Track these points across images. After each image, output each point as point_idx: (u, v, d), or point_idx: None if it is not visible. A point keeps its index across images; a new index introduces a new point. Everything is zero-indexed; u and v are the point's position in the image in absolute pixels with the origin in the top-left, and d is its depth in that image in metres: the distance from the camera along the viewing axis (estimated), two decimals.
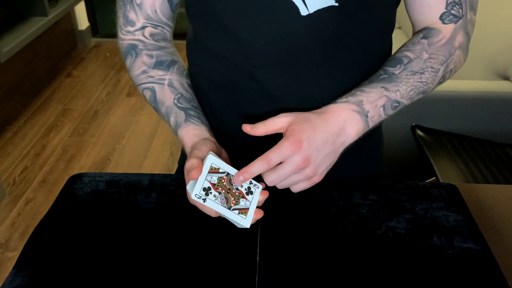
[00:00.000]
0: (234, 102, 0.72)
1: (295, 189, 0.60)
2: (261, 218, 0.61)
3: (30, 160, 2.13)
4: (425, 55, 0.64)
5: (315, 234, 0.63)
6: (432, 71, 0.65)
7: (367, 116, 0.61)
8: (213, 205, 0.56)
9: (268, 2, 0.61)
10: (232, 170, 0.59)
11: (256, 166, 0.56)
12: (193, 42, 0.74)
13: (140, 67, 0.71)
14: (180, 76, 0.71)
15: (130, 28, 0.72)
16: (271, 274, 0.58)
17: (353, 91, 0.63)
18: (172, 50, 0.74)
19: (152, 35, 0.72)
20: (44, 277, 0.57)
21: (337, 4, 0.60)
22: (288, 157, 0.56)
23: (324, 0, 0.60)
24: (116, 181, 0.73)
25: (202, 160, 0.58)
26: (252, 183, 0.60)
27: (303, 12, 0.61)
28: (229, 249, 0.61)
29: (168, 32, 0.75)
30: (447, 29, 0.66)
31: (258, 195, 0.60)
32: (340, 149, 0.60)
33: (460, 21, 0.65)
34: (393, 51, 0.76)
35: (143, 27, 0.72)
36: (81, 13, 3.24)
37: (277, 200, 0.67)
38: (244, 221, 0.57)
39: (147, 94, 0.71)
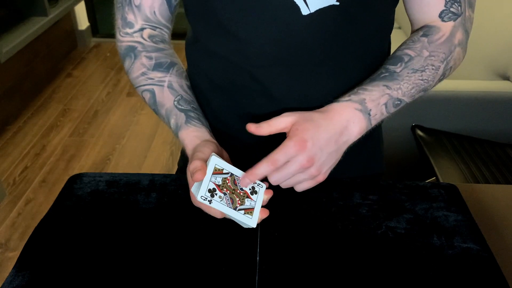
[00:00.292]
0: (235, 102, 0.72)
1: (299, 188, 0.60)
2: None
3: (30, 160, 2.13)
4: (426, 53, 0.65)
5: (315, 234, 0.63)
6: (432, 69, 0.65)
7: (369, 114, 0.61)
8: (219, 206, 0.56)
9: (269, 1, 0.61)
10: (235, 171, 0.59)
11: (262, 168, 0.56)
12: (192, 42, 0.74)
13: (139, 69, 0.70)
14: (179, 77, 0.71)
15: (128, 30, 0.71)
16: (271, 274, 0.58)
17: (355, 90, 0.63)
18: (171, 52, 0.74)
19: (150, 36, 0.72)
20: (44, 277, 0.57)
21: (338, 3, 0.60)
22: (293, 157, 0.56)
23: None
24: (116, 181, 0.73)
25: (205, 161, 0.58)
26: (256, 183, 0.60)
27: (304, 11, 0.61)
28: (229, 249, 0.61)
29: (166, 34, 0.75)
30: (447, 26, 0.66)
31: (262, 195, 0.60)
32: (343, 148, 0.60)
33: (459, 18, 0.66)
34: (392, 50, 0.77)
35: (141, 29, 0.71)
36: (81, 13, 3.24)
37: (277, 200, 0.67)
38: (250, 221, 0.57)
39: (147, 96, 0.70)
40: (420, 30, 0.68)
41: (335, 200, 0.69)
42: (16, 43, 2.15)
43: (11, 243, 1.69)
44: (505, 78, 1.55)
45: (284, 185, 0.59)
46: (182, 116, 0.67)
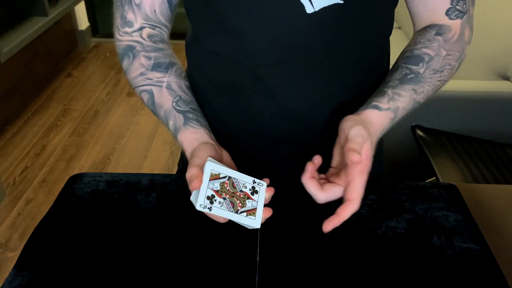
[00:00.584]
0: (235, 101, 0.72)
1: None
2: None
3: (30, 160, 2.13)
4: (443, 52, 0.65)
5: (315, 234, 0.63)
6: (449, 68, 0.65)
7: (394, 120, 0.62)
8: (220, 212, 0.55)
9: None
10: (233, 173, 0.58)
11: (350, 211, 0.55)
12: (192, 42, 0.74)
13: (138, 69, 0.70)
14: (178, 78, 0.71)
15: (127, 29, 0.71)
16: (271, 274, 0.58)
17: (390, 94, 0.62)
18: (170, 52, 0.74)
19: (150, 36, 0.72)
20: (44, 277, 0.57)
21: (342, 2, 0.60)
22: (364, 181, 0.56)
23: None
24: (116, 181, 0.73)
25: (202, 167, 0.57)
26: (255, 182, 0.59)
27: (309, 9, 0.60)
28: (229, 249, 0.61)
29: (165, 33, 0.74)
30: (456, 25, 0.66)
31: (264, 193, 0.59)
32: None
33: (465, 16, 0.66)
34: (392, 50, 0.77)
35: (141, 28, 0.71)
36: (81, 13, 3.24)
37: (277, 200, 0.67)
38: (254, 222, 0.57)
39: (145, 96, 0.70)
40: (430, 29, 0.67)
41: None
42: (16, 43, 2.15)
43: (11, 243, 1.69)
44: (505, 78, 1.55)
45: None
46: (180, 118, 0.66)
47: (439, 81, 0.65)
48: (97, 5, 3.39)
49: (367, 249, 0.61)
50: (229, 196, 0.56)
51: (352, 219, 0.66)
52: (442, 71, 0.64)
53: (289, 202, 0.68)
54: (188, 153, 0.63)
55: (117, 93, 2.71)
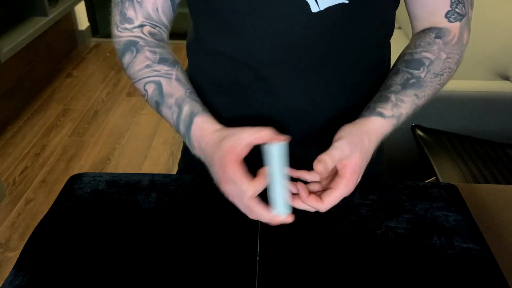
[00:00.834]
0: (237, 101, 0.72)
1: None
2: None
3: (30, 160, 2.13)
4: (443, 55, 0.65)
5: (315, 234, 0.63)
6: (449, 71, 0.66)
7: (395, 126, 0.62)
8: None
9: None
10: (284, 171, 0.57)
11: (311, 207, 0.57)
12: (194, 42, 0.74)
13: (143, 62, 0.67)
14: (185, 75, 0.69)
15: (127, 25, 0.69)
16: (271, 274, 0.58)
17: (394, 100, 0.62)
18: (171, 52, 0.73)
19: (150, 34, 0.71)
20: (44, 277, 0.57)
21: (347, 2, 0.60)
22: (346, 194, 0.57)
23: None
24: (116, 181, 0.73)
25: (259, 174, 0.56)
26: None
27: (314, 8, 0.60)
28: (229, 249, 0.61)
29: (165, 34, 0.73)
30: (455, 27, 0.66)
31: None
32: None
33: (464, 19, 0.66)
34: (392, 51, 0.77)
35: (141, 25, 0.69)
36: (81, 13, 3.24)
37: None
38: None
39: (151, 87, 0.66)
40: (430, 32, 0.67)
41: None
42: (16, 43, 2.15)
43: (11, 243, 1.69)
44: (505, 78, 1.55)
45: None
46: (197, 105, 0.63)
47: (439, 84, 0.65)
48: (97, 5, 3.39)
49: (367, 249, 0.61)
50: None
51: (352, 219, 0.66)
52: (442, 75, 0.65)
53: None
54: (210, 131, 0.60)
55: (117, 93, 2.71)
